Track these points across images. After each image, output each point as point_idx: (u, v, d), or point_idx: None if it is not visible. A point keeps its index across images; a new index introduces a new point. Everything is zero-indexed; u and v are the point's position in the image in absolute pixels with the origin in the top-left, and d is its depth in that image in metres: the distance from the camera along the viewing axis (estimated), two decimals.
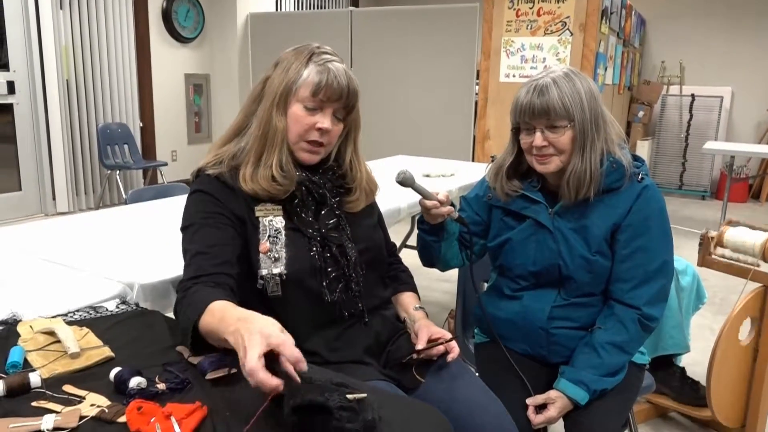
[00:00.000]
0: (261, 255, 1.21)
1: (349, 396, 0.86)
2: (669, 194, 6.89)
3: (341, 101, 1.26)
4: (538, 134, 1.37)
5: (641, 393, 1.55)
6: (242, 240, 1.22)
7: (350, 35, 5.78)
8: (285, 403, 0.82)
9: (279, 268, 1.20)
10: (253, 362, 0.83)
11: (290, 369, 0.86)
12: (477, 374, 1.47)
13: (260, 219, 1.23)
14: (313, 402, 0.81)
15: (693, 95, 6.85)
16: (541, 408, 1.38)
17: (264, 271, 1.20)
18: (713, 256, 2.05)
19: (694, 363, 2.40)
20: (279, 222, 1.23)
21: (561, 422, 1.39)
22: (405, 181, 1.37)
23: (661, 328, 2.01)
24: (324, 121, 1.24)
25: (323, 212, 1.30)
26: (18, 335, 1.09)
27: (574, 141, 1.37)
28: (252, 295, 1.21)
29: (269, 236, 1.22)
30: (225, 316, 0.98)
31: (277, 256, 1.21)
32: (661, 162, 7.10)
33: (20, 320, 1.16)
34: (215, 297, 1.05)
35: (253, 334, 0.86)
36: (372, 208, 1.44)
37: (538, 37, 4.50)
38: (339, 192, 1.34)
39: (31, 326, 1.12)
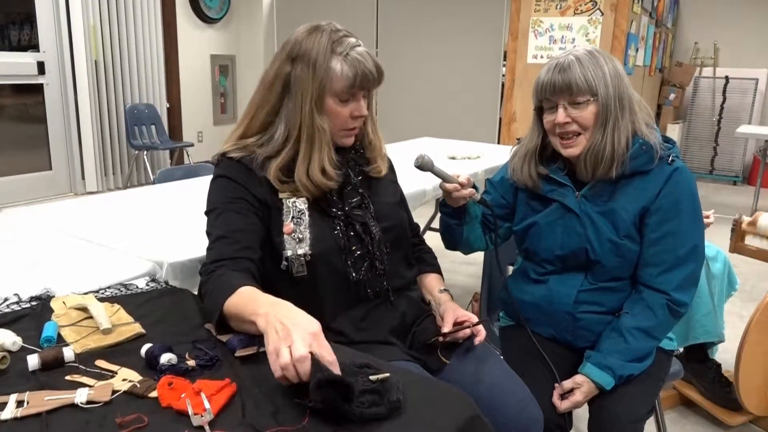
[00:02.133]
0: (285, 236, 1.21)
1: (372, 377, 0.87)
2: (700, 179, 6.73)
3: (371, 85, 1.27)
4: (560, 111, 1.34)
5: (669, 379, 1.53)
6: (264, 224, 1.23)
7: (376, 15, 5.73)
8: (312, 376, 0.82)
9: (303, 249, 1.21)
10: (304, 350, 0.84)
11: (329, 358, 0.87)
12: (501, 357, 1.47)
13: (284, 200, 1.23)
14: (338, 380, 0.82)
15: (727, 77, 6.66)
16: (566, 392, 1.37)
17: (289, 252, 1.21)
18: (746, 243, 2.01)
19: (724, 350, 2.36)
20: (302, 203, 1.24)
21: (586, 407, 1.39)
22: (423, 165, 1.35)
23: (692, 316, 1.98)
24: (359, 108, 1.25)
25: (346, 191, 1.30)
26: (51, 311, 1.12)
27: (597, 117, 1.34)
28: (278, 277, 1.22)
29: (293, 217, 1.22)
30: (254, 300, 0.99)
31: (301, 236, 1.22)
32: (692, 146, 6.94)
33: (53, 296, 1.19)
34: (242, 281, 1.06)
35: (298, 331, 0.87)
36: (395, 186, 1.44)
37: (568, 17, 4.40)
38: (360, 162, 1.34)
39: (64, 302, 1.15)
